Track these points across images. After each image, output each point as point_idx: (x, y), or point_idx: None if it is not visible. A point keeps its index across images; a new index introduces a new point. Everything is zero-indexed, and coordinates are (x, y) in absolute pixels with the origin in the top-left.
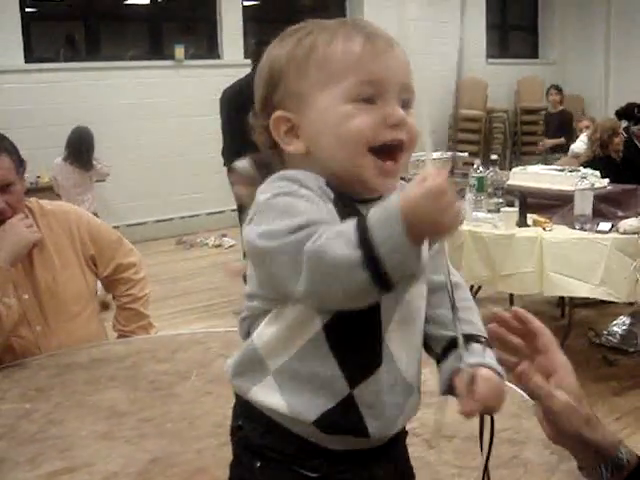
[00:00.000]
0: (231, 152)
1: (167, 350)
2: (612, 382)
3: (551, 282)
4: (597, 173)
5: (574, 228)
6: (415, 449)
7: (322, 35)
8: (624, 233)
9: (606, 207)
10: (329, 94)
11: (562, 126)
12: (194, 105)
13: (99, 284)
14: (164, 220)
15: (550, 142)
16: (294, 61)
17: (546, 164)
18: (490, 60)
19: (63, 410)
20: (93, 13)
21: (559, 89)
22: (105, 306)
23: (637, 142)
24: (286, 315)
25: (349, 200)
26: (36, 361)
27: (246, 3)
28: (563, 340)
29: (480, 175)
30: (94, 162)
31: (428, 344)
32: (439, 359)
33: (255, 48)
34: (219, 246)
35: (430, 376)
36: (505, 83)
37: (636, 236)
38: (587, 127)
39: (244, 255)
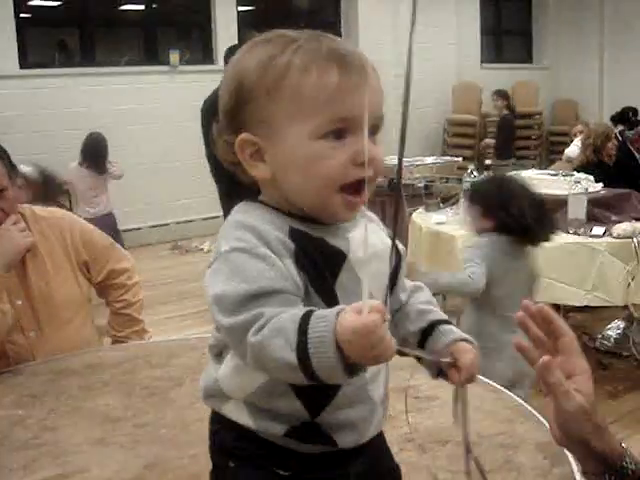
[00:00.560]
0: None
1: (161, 356)
2: (606, 386)
3: (543, 288)
4: (591, 177)
5: (568, 232)
6: (409, 454)
7: (296, 59)
8: (618, 237)
9: (600, 211)
10: (299, 128)
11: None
12: (189, 110)
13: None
14: (159, 225)
15: (489, 141)
16: (264, 84)
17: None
18: (484, 65)
19: (57, 416)
20: (88, 19)
21: (504, 95)
22: None
23: (631, 147)
24: None
25: (309, 239)
26: (30, 367)
27: (241, 8)
28: None
29: (474, 180)
30: (108, 165)
31: (408, 342)
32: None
33: (229, 54)
34: None
35: (424, 381)
36: (499, 88)
37: (630, 240)
38: (581, 132)
39: None
